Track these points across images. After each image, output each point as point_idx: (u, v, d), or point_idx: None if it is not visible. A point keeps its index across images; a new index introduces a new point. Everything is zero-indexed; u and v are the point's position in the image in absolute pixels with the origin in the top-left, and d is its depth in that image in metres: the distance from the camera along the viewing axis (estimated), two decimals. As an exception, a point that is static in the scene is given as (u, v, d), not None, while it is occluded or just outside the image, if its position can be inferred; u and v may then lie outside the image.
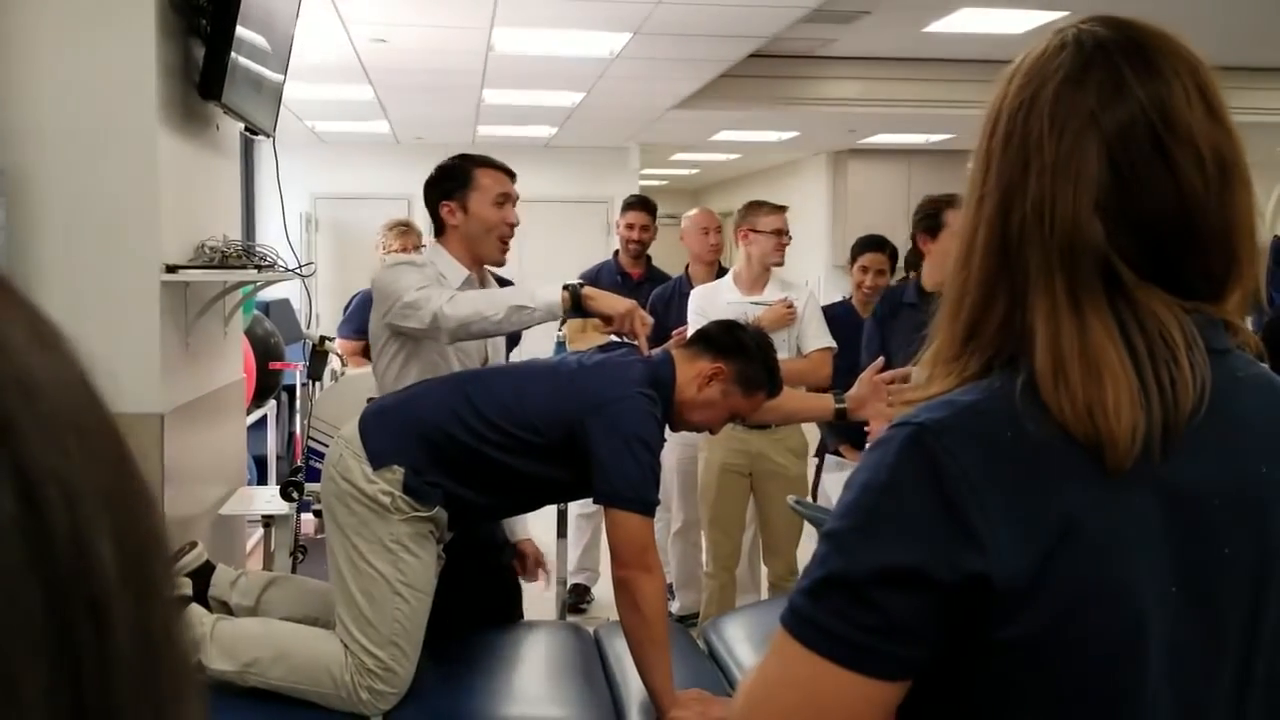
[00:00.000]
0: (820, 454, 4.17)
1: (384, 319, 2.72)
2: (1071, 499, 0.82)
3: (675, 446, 4.39)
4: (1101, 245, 0.84)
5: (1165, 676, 0.83)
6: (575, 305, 2.57)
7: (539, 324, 2.65)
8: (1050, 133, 0.86)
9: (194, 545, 2.63)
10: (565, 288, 2.59)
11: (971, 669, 0.84)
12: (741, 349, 2.59)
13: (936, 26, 6.55)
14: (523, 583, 4.93)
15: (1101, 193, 0.85)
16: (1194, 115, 0.86)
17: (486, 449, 2.42)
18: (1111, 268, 0.85)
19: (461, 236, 2.88)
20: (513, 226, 2.89)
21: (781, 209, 4.08)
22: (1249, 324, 0.93)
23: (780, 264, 4.04)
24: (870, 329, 3.94)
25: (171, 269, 3.06)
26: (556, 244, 9.65)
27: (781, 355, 3.51)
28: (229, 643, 2.39)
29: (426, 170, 2.95)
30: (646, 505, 2.37)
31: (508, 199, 2.88)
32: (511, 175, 2.95)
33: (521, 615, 3.10)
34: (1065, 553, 0.80)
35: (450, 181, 2.90)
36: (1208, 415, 0.83)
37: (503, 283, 4.61)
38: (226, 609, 2.61)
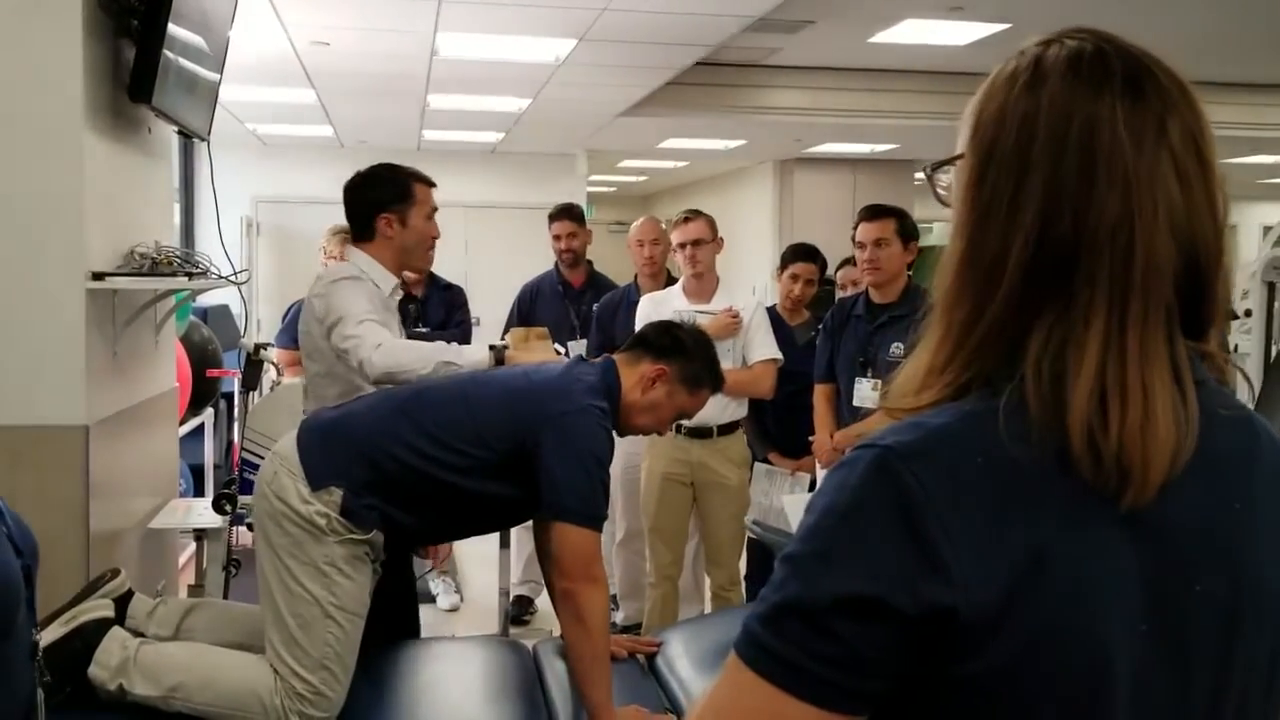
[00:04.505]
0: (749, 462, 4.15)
1: (328, 338, 2.76)
2: (1043, 531, 0.78)
3: (619, 455, 4.34)
4: (1173, 270, 0.80)
5: (1132, 716, 0.80)
6: (499, 363, 2.76)
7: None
8: (1130, 143, 0.80)
9: (116, 573, 2.54)
10: (491, 348, 2.79)
11: (929, 704, 0.80)
12: (681, 349, 2.60)
13: (881, 37, 6.59)
14: (458, 597, 4.84)
15: (1175, 214, 0.80)
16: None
17: (430, 468, 2.37)
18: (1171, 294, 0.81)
19: (397, 248, 2.98)
20: (435, 238, 3.09)
21: (683, 219, 4.04)
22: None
23: (697, 275, 4.00)
24: (821, 340, 3.96)
25: (98, 276, 2.97)
26: (503, 250, 9.56)
27: (726, 364, 3.49)
28: (152, 667, 2.31)
29: (372, 175, 2.94)
30: (595, 519, 2.35)
31: (434, 211, 3.05)
32: (434, 186, 3.11)
33: (418, 632, 3.06)
34: (1033, 586, 0.76)
35: (388, 193, 2.96)
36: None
37: (451, 289, 4.58)
38: (145, 640, 2.52)
